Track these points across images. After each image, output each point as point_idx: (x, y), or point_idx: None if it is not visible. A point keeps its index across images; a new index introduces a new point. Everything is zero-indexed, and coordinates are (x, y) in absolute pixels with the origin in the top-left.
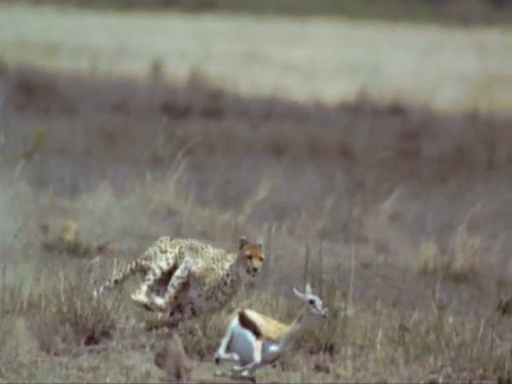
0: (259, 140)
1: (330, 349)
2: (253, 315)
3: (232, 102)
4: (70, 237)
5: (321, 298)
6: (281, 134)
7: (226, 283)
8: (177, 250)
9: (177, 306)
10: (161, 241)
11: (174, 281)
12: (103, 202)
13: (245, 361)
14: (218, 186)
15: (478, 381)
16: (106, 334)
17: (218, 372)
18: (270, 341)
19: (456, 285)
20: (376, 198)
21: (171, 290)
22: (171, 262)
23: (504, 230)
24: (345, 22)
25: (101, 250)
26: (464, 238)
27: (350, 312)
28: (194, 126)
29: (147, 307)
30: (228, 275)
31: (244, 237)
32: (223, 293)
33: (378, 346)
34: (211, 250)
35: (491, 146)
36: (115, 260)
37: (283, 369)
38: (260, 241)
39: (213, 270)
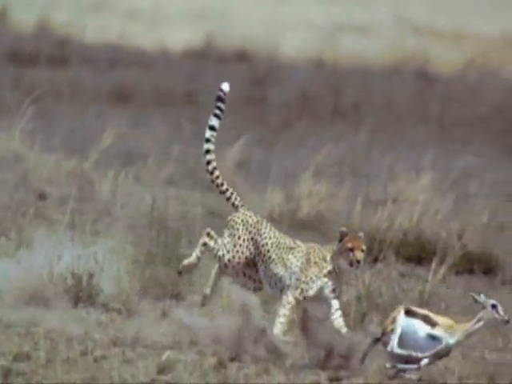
0: (105, 87)
1: (177, 296)
2: (419, 309)
3: (78, 50)
4: None
5: (166, 245)
6: (126, 81)
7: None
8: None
9: None
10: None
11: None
12: None
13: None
14: (64, 133)
15: None
16: None
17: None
18: (448, 331)
19: (302, 231)
20: (222, 144)
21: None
22: None
23: (349, 176)
24: None
25: None
26: (309, 184)
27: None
28: (40, 73)
29: None
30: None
31: (344, 228)
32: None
33: (224, 294)
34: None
35: (336, 93)
36: None
37: (129, 316)
38: (361, 232)
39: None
